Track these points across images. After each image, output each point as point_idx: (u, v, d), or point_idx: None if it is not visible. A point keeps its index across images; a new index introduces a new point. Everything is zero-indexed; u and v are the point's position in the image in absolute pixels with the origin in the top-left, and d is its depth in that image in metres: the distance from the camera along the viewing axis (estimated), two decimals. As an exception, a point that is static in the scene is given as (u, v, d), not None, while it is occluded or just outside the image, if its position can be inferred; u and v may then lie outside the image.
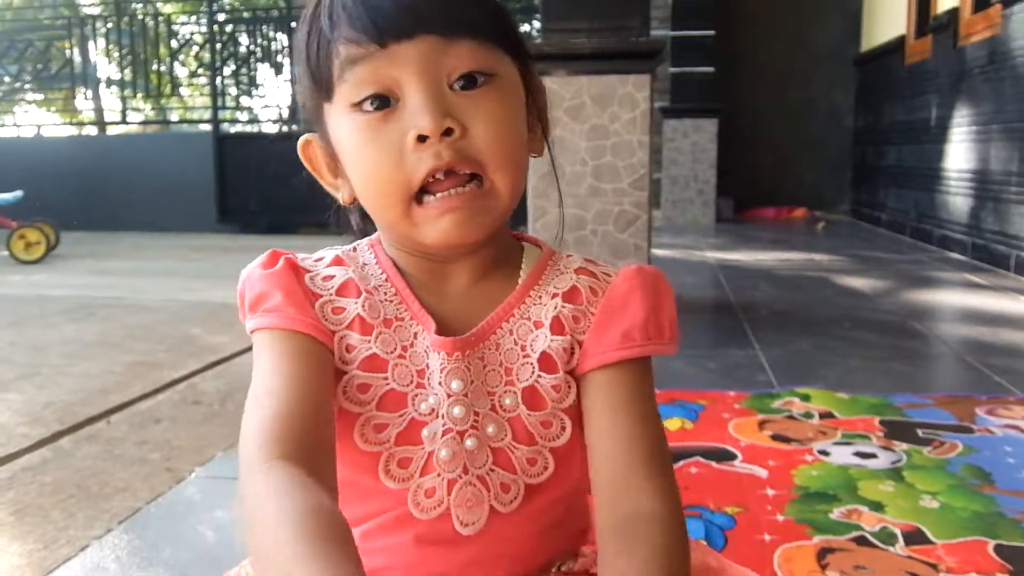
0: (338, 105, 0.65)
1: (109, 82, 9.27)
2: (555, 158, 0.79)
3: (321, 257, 0.74)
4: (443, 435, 0.67)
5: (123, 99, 8.23)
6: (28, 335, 3.23)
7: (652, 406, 0.70)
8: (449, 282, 0.72)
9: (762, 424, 1.85)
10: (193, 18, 8.28)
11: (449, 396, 0.67)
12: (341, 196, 0.72)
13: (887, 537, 1.29)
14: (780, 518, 1.36)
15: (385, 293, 0.71)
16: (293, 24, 7.75)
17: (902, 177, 6.01)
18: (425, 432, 0.67)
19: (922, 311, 3.35)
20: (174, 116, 9.40)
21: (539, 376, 0.69)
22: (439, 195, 0.63)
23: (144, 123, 9.17)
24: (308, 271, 0.71)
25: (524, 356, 0.69)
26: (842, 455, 1.65)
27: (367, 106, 0.64)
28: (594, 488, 0.67)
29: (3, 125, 8.77)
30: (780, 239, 6.11)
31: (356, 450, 0.67)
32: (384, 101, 0.63)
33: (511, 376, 0.69)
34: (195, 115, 8.14)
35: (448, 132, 0.62)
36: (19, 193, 5.68)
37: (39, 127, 8.37)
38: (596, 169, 3.17)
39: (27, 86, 8.93)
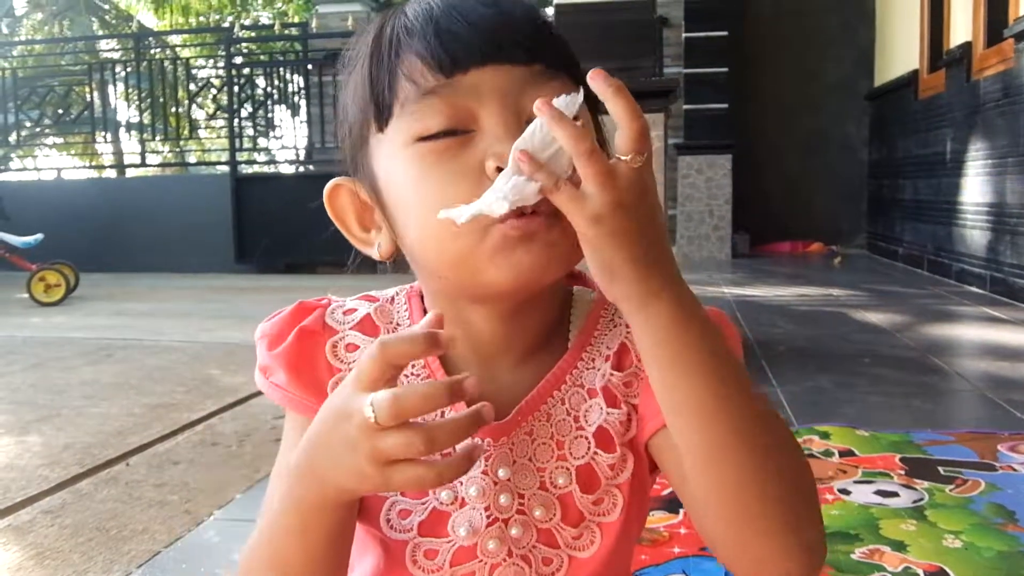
0: (394, 138, 0.59)
1: (128, 125, 9.45)
2: None
3: (353, 310, 0.69)
4: (487, 526, 0.62)
5: (142, 142, 8.37)
6: (49, 377, 3.26)
7: None
8: (496, 356, 0.65)
9: (781, 463, 1.83)
10: (211, 61, 8.42)
11: (496, 484, 0.62)
12: (376, 250, 0.65)
13: (910, 578, 1.28)
14: (801, 559, 1.35)
15: (412, 367, 0.65)
16: (309, 67, 7.89)
17: (918, 211, 5.99)
18: (451, 526, 0.63)
19: (941, 346, 3.32)
20: (192, 158, 9.54)
21: (595, 453, 0.63)
22: (518, 219, 0.56)
23: (163, 165, 9.31)
24: (334, 332, 0.67)
25: (578, 429, 0.63)
26: (863, 494, 1.64)
27: (436, 134, 0.58)
28: (711, 544, 0.60)
29: (24, 169, 8.93)
30: (797, 274, 6.10)
31: (385, 536, 0.64)
32: (454, 134, 0.58)
33: (563, 451, 0.63)
34: (213, 157, 8.26)
35: None
36: (39, 236, 5.76)
37: (59, 171, 8.51)
38: (610, 207, 3.18)
39: (48, 131, 9.10)
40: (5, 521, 1.83)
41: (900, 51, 6.70)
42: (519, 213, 0.55)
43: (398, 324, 0.68)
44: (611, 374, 0.64)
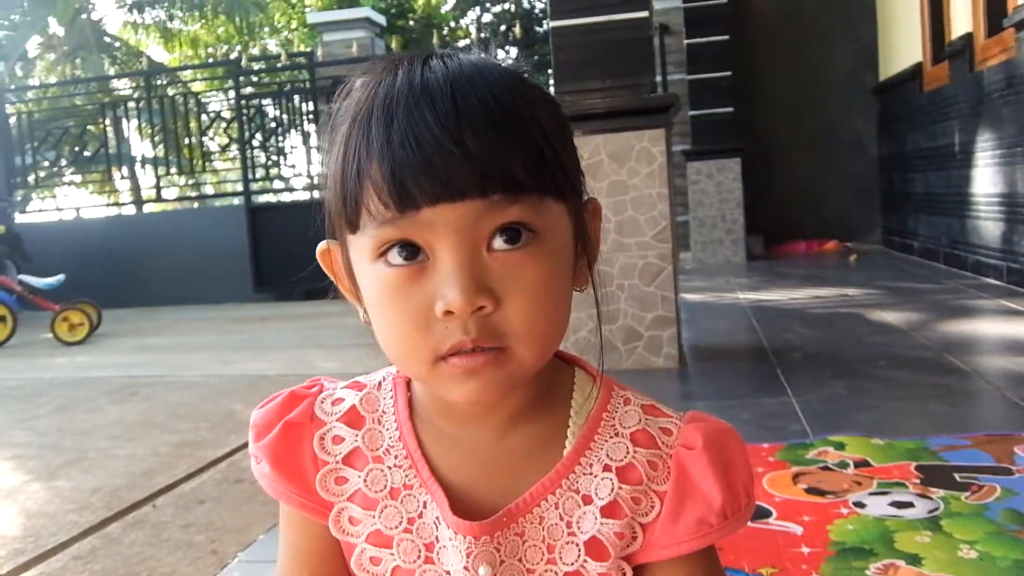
0: (361, 246, 0.60)
1: (143, 160, 9.58)
2: (598, 287, 0.69)
3: (341, 400, 0.70)
4: None
5: (157, 176, 8.49)
6: (75, 419, 3.31)
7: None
8: (475, 432, 0.66)
9: (796, 477, 1.85)
10: (221, 93, 8.54)
11: None
12: (361, 314, 0.66)
13: (924, 593, 1.29)
14: (816, 577, 1.37)
15: (396, 456, 0.66)
16: (317, 94, 7.97)
17: (931, 204, 5.97)
18: None
19: (959, 344, 3.31)
20: (208, 189, 9.66)
21: (585, 561, 0.63)
22: (461, 356, 0.57)
23: (180, 199, 9.43)
24: (322, 424, 0.68)
25: (569, 535, 0.63)
26: (878, 506, 1.65)
27: (393, 257, 0.58)
28: None
29: (44, 210, 9.07)
30: (812, 275, 6.08)
31: None
32: (413, 250, 0.58)
33: (553, 554, 0.63)
34: (228, 187, 8.36)
35: (480, 308, 0.56)
36: (61, 277, 5.85)
37: (78, 209, 8.65)
38: (618, 224, 3.21)
39: (65, 170, 9.24)
40: (38, 569, 1.87)
41: (903, 44, 6.69)
42: (460, 351, 0.57)
43: (384, 412, 0.69)
44: (620, 487, 0.64)
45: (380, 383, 0.71)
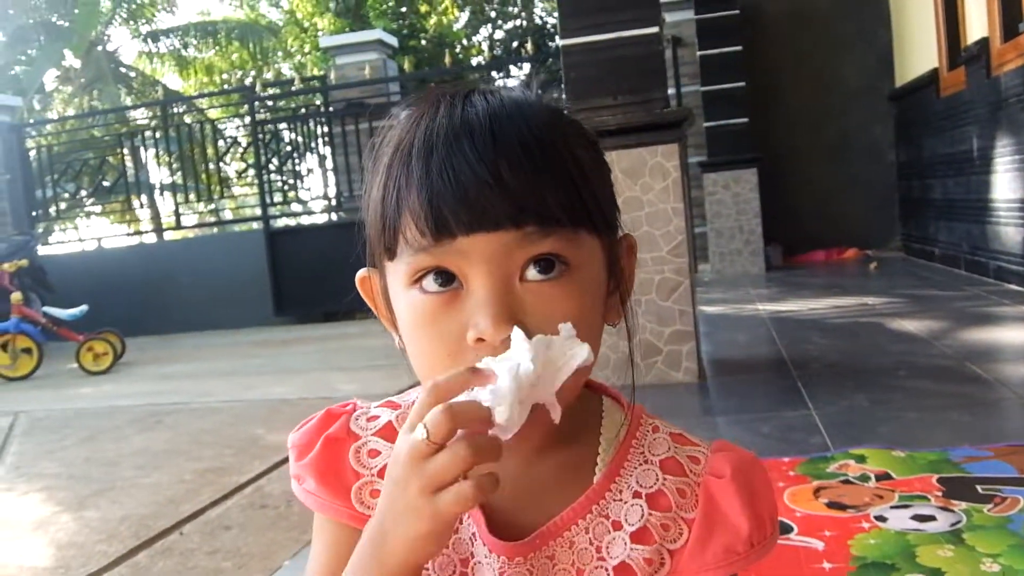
0: (398, 271, 0.62)
1: (162, 188, 9.71)
2: (631, 323, 0.71)
3: (376, 417, 0.71)
4: None
5: (176, 204, 8.60)
6: (102, 449, 3.35)
7: None
8: (507, 456, 0.65)
9: (817, 491, 1.84)
10: (236, 119, 8.64)
11: None
12: (396, 341, 0.68)
13: (947, 609, 1.29)
14: (838, 594, 1.36)
15: None
16: (331, 117, 8.05)
17: (951, 210, 5.93)
18: None
19: (980, 352, 3.28)
20: (227, 215, 9.77)
21: None
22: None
23: (199, 225, 9.55)
24: (357, 438, 0.70)
25: (599, 559, 0.65)
26: (900, 520, 1.64)
27: (428, 284, 0.60)
28: None
29: (65, 242, 9.20)
30: (832, 284, 6.06)
31: None
32: (448, 278, 0.59)
33: None
34: (247, 212, 8.46)
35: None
36: (84, 308, 5.92)
37: (99, 239, 8.77)
38: (634, 240, 3.21)
39: (86, 200, 9.38)
40: (68, 600, 1.90)
41: (919, 50, 6.66)
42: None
43: None
44: (650, 514, 0.65)
45: (414, 403, 0.72)
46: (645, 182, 3.21)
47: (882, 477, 1.89)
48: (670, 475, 0.66)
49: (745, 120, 7.17)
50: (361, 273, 0.69)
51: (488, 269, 0.58)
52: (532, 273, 0.59)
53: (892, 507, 1.71)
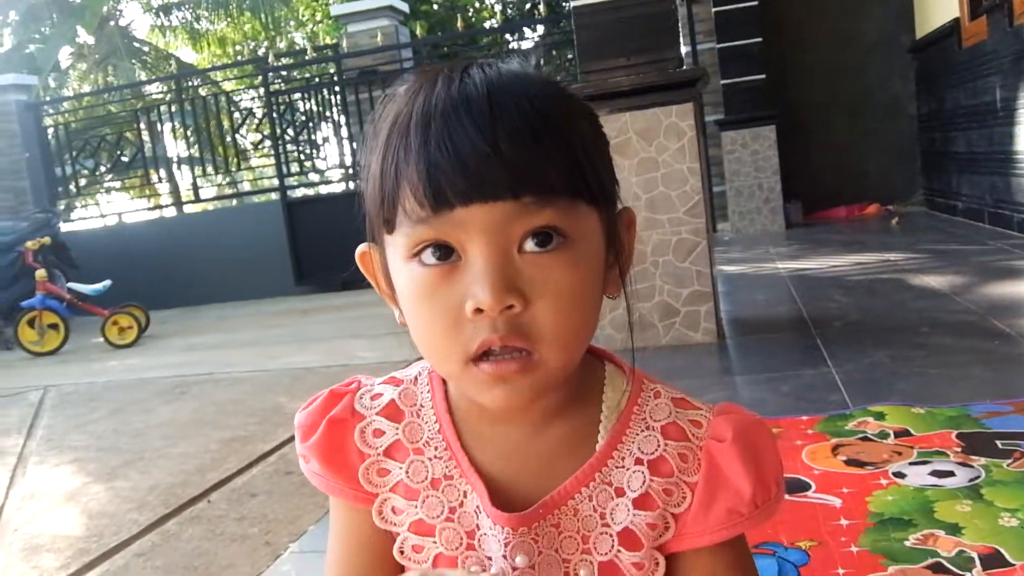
0: (397, 244, 0.62)
1: (179, 161, 9.75)
2: (630, 297, 0.71)
3: (380, 395, 0.73)
4: None
5: (194, 177, 8.64)
6: (129, 421, 3.41)
7: (753, 572, 0.69)
8: (510, 427, 0.68)
9: (836, 449, 1.85)
10: (251, 91, 8.63)
11: (514, 570, 0.65)
12: (396, 316, 0.68)
13: (964, 562, 1.29)
14: (854, 549, 1.37)
15: (436, 448, 0.69)
16: (345, 85, 8.02)
17: (974, 163, 5.84)
18: None
19: (1004, 307, 3.25)
20: (245, 187, 9.80)
21: (619, 551, 0.65)
22: (490, 362, 0.60)
23: (218, 198, 9.59)
24: (362, 418, 0.71)
25: (603, 526, 0.66)
26: (918, 476, 1.64)
27: (427, 257, 0.60)
28: None
29: (86, 218, 9.27)
30: (853, 240, 6.00)
31: None
32: (446, 251, 0.60)
33: (588, 544, 0.66)
34: (265, 183, 8.47)
35: (509, 307, 0.58)
36: (107, 283, 5.99)
37: (120, 215, 8.83)
38: (649, 202, 3.20)
39: (105, 176, 9.44)
40: (103, 567, 1.95)
41: (939, 1, 6.52)
42: (488, 355, 0.59)
43: (422, 405, 0.71)
44: (652, 480, 0.66)
45: (416, 378, 0.73)
46: (660, 143, 3.19)
47: (901, 434, 1.89)
48: (672, 440, 0.67)
49: (762, 77, 7.07)
50: (361, 248, 0.70)
51: (486, 240, 0.58)
52: (530, 245, 0.59)
53: (911, 463, 1.71)
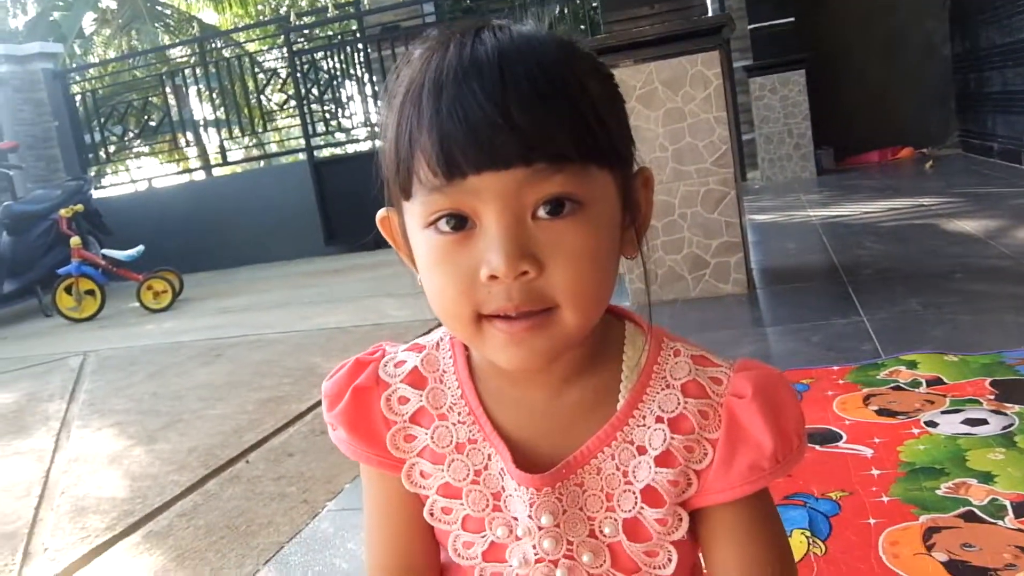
0: (414, 212, 0.63)
1: (206, 124, 9.78)
2: (647, 258, 0.71)
3: (403, 362, 0.74)
4: (535, 563, 0.67)
5: (221, 140, 8.67)
6: (168, 384, 3.48)
7: (778, 525, 0.70)
8: (531, 389, 0.69)
9: (867, 399, 1.84)
10: (274, 51, 8.60)
11: (540, 529, 0.67)
12: (416, 279, 0.69)
13: (996, 510, 1.29)
14: (885, 499, 1.37)
15: (459, 413, 0.70)
16: (367, 42, 7.96)
17: (1010, 103, 5.69)
18: (508, 555, 0.69)
19: (1039, 249, 3.19)
20: (272, 148, 9.82)
21: (642, 508, 0.66)
22: (505, 320, 0.60)
23: (245, 160, 9.63)
24: (387, 386, 0.73)
25: (626, 483, 0.67)
26: (950, 424, 1.63)
27: (442, 225, 0.61)
28: None
29: (117, 184, 9.36)
30: (886, 185, 5.90)
31: (455, 564, 0.72)
32: (461, 221, 0.60)
33: (612, 502, 0.67)
34: (291, 144, 8.49)
35: (523, 273, 0.59)
36: (140, 248, 6.07)
37: (150, 180, 8.91)
38: (676, 153, 3.17)
39: (133, 142, 9.51)
40: (147, 528, 2.01)
41: (974, -66, 6.31)
42: (504, 316, 0.60)
43: (444, 371, 0.72)
44: (672, 438, 0.66)
45: (438, 343, 0.75)
46: (686, 92, 3.14)
47: (933, 382, 1.88)
48: (691, 398, 0.67)
49: (791, 19, 6.92)
50: (381, 213, 0.70)
51: (499, 207, 0.58)
52: (543, 212, 0.59)
53: (943, 412, 1.71)
